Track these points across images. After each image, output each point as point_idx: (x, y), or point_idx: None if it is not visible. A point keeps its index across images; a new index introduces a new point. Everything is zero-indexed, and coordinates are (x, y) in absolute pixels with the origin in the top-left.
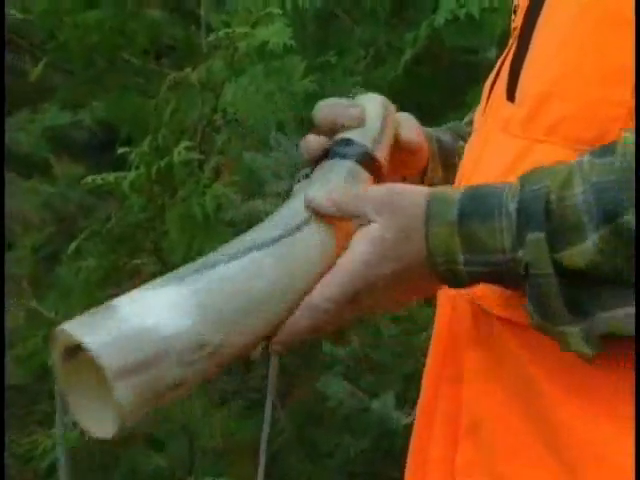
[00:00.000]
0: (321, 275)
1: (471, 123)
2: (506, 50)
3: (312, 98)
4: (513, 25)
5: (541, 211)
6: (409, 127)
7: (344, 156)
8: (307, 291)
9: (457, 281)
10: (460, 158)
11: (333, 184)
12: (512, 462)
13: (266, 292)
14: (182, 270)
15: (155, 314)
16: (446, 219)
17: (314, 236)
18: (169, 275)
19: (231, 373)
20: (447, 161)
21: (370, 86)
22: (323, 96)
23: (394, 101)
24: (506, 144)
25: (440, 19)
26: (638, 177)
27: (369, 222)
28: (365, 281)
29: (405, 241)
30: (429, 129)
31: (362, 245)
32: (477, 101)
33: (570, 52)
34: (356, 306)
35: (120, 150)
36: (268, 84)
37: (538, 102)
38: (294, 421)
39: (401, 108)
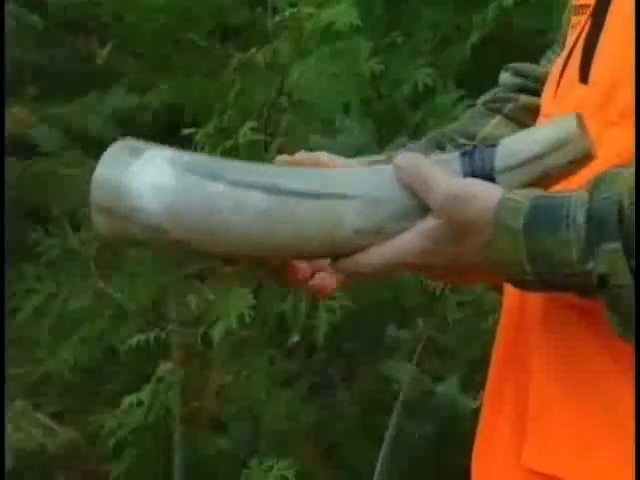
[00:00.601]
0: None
1: (484, 104)
2: (576, 29)
3: (378, 79)
4: (577, 2)
5: (614, 220)
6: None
7: (468, 155)
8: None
9: (527, 288)
10: None
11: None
12: (583, 452)
13: (247, 233)
14: (224, 166)
15: (148, 182)
16: (512, 227)
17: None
18: (213, 163)
19: (292, 356)
20: None
21: (437, 68)
22: (389, 77)
23: (462, 83)
24: None
25: (509, 0)
26: (638, 178)
27: (431, 215)
28: (417, 265)
29: (459, 246)
30: (378, 160)
31: (414, 234)
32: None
33: None
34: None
35: (186, 131)
36: (334, 65)
37: (613, 85)
38: (358, 405)
39: (468, 90)
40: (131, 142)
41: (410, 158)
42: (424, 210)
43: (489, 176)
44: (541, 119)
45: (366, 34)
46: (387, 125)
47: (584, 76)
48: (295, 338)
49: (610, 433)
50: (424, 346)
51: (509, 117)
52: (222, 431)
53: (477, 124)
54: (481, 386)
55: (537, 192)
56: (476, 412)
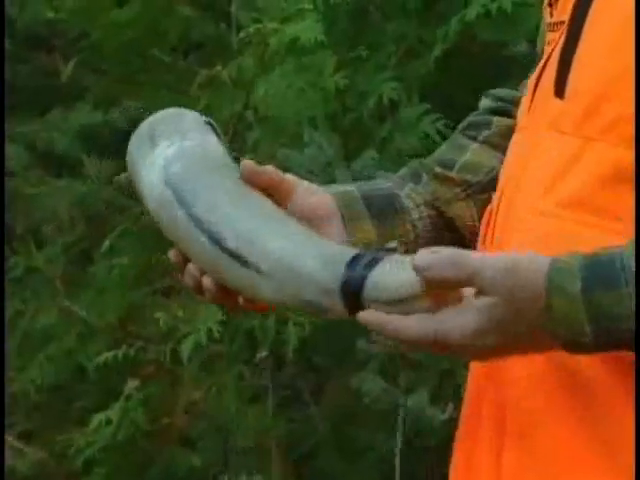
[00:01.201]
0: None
1: (465, 129)
2: (550, 45)
3: (343, 93)
4: (551, 20)
5: None
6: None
7: None
8: None
9: (581, 351)
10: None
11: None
12: (565, 468)
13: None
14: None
15: (146, 180)
16: (569, 290)
17: None
18: (192, 184)
19: (261, 371)
20: (384, 212)
21: (402, 81)
22: (354, 91)
23: (426, 96)
24: (557, 142)
25: (472, 13)
26: (637, 187)
27: (483, 294)
28: (463, 347)
29: (517, 320)
30: (346, 190)
31: (466, 317)
32: None
33: (626, 49)
34: (443, 351)
35: None
36: (299, 80)
37: (594, 101)
38: (328, 419)
39: (432, 103)
40: (157, 125)
41: (430, 255)
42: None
43: (358, 294)
44: (516, 135)
45: (331, 48)
46: (353, 139)
47: (560, 90)
48: (263, 353)
49: (598, 448)
50: (394, 359)
51: (486, 143)
52: (193, 447)
53: (454, 153)
54: (450, 398)
55: (584, 255)
56: (445, 424)
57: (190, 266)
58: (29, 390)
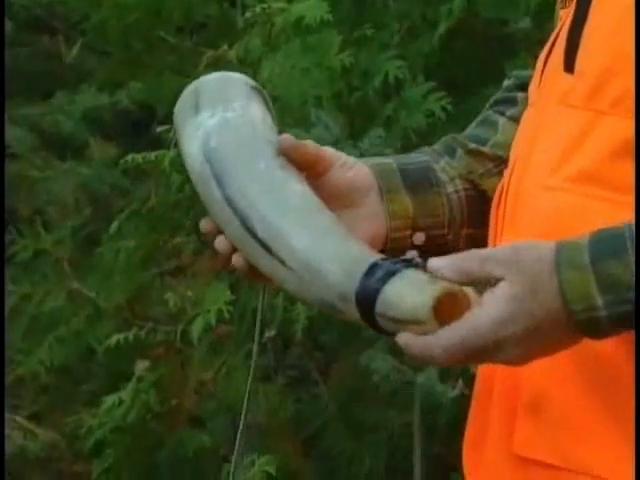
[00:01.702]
0: None
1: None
2: (560, 22)
3: (348, 72)
4: None
5: None
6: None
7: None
8: None
9: (597, 329)
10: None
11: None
12: (576, 437)
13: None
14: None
15: (186, 149)
16: (578, 263)
17: None
18: (229, 163)
19: (269, 350)
20: (420, 185)
21: (406, 59)
22: (359, 70)
23: (430, 74)
24: (567, 117)
25: None
26: (637, 184)
27: (496, 281)
28: (494, 340)
29: (534, 295)
30: (384, 162)
31: (492, 305)
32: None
33: (632, 24)
34: (484, 356)
35: (159, 129)
36: (305, 60)
37: (603, 75)
38: (337, 397)
39: (436, 81)
40: (202, 90)
41: (442, 259)
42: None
43: (371, 305)
44: (529, 109)
45: (336, 28)
46: (359, 118)
47: (569, 66)
48: (271, 332)
49: (612, 419)
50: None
51: (513, 119)
52: (202, 427)
53: (486, 130)
54: (459, 375)
55: (591, 233)
56: (455, 400)
57: (222, 239)
58: (39, 372)
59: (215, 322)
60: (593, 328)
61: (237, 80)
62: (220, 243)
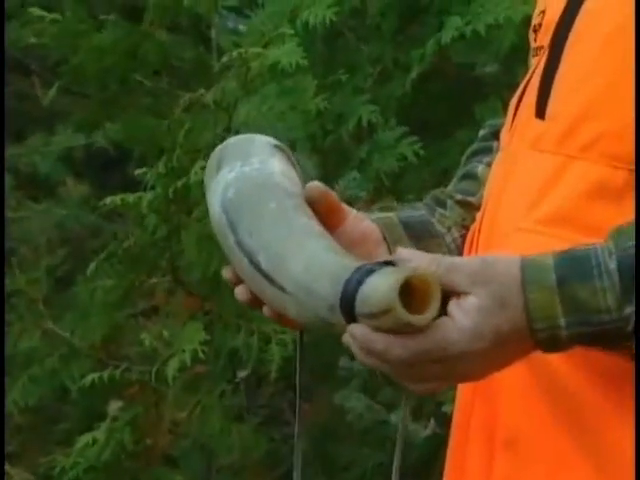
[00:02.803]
0: None
1: (466, 176)
2: (532, 69)
3: (323, 116)
4: (535, 44)
5: None
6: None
7: None
8: None
9: (556, 346)
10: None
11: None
12: (552, 473)
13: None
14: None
15: (210, 201)
16: (544, 284)
17: None
18: (238, 212)
19: (243, 389)
20: (422, 237)
21: (378, 102)
22: (334, 114)
23: (403, 117)
24: (538, 161)
25: (447, 36)
26: (638, 186)
27: (463, 293)
28: (459, 352)
29: (501, 310)
30: (387, 216)
31: (460, 317)
32: (484, 116)
33: (606, 71)
34: (446, 368)
35: (137, 171)
36: (280, 103)
37: (574, 120)
38: (310, 436)
39: (409, 124)
40: (226, 150)
41: (411, 250)
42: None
43: (352, 309)
44: (500, 153)
45: (310, 71)
46: (332, 160)
47: (541, 111)
48: (243, 372)
49: (589, 460)
50: (376, 376)
51: (490, 166)
52: (176, 467)
53: (469, 183)
54: (431, 414)
55: (556, 252)
56: (427, 440)
57: (241, 288)
58: (12, 412)
59: (190, 362)
60: (552, 345)
61: (259, 139)
62: (239, 291)
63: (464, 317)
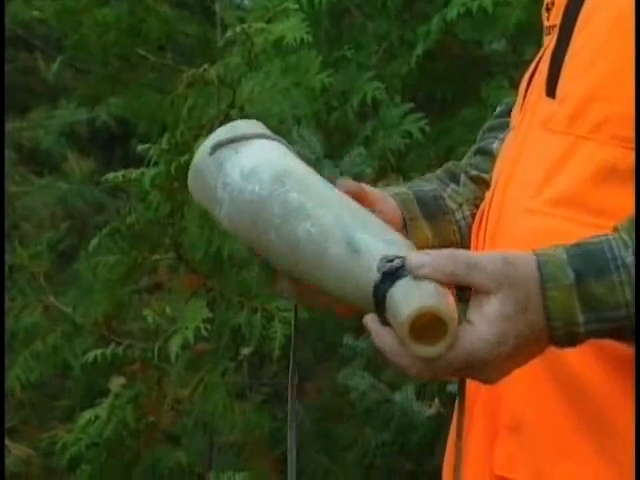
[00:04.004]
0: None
1: (482, 150)
2: (543, 48)
3: (327, 92)
4: (547, 23)
5: None
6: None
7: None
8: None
9: (572, 342)
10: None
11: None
12: (557, 460)
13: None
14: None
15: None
16: (562, 282)
17: None
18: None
19: (247, 367)
20: (434, 214)
21: (383, 80)
22: (338, 90)
23: (408, 95)
24: (548, 141)
25: (452, 13)
26: (638, 186)
27: (484, 294)
28: (482, 360)
29: (524, 313)
30: (403, 192)
31: (483, 325)
32: (491, 95)
33: (614, 52)
34: (466, 373)
35: (140, 147)
36: (285, 79)
37: (583, 101)
38: (312, 415)
39: (414, 102)
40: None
41: (423, 255)
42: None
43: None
44: (511, 133)
45: (315, 47)
46: (337, 137)
47: (551, 91)
48: (246, 350)
49: (592, 441)
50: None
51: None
52: (178, 445)
53: (484, 159)
54: (435, 393)
55: (568, 245)
56: (431, 419)
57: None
58: (14, 388)
59: (193, 339)
60: (568, 341)
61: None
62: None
63: (487, 326)
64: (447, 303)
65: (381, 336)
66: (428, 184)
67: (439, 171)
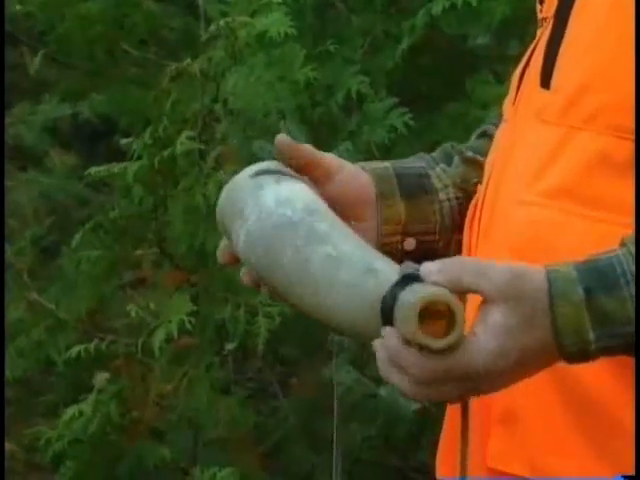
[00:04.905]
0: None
1: (482, 135)
2: (536, 39)
3: (312, 87)
4: (541, 15)
5: None
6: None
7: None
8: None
9: (584, 359)
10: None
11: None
12: (549, 451)
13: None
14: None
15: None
16: (572, 298)
17: None
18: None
19: (230, 362)
20: (414, 192)
21: (368, 74)
22: (323, 85)
23: (393, 89)
24: (542, 132)
25: (437, 7)
26: (637, 187)
27: (489, 304)
28: (484, 371)
29: (530, 329)
30: (383, 167)
31: (486, 337)
32: (476, 89)
33: (609, 41)
34: (467, 387)
35: (123, 141)
36: (269, 73)
37: (578, 91)
38: (298, 410)
39: (399, 96)
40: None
41: (435, 263)
42: None
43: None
44: (503, 125)
45: (299, 41)
46: (322, 132)
47: (546, 81)
48: (230, 345)
49: (584, 433)
50: (367, 349)
51: None
52: (163, 440)
53: (485, 142)
54: None
55: (576, 262)
56: (417, 414)
57: None
58: None
59: (177, 334)
60: (580, 358)
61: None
62: None
63: (490, 338)
64: (455, 297)
65: (386, 338)
66: (416, 162)
67: (436, 151)
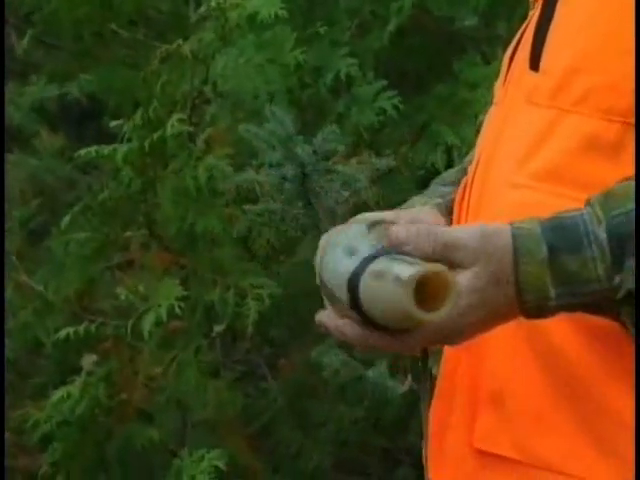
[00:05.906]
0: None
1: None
2: (526, 21)
3: (301, 69)
4: None
5: (634, 236)
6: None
7: None
8: None
9: (541, 315)
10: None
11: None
12: (536, 431)
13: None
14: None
15: None
16: (536, 257)
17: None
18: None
19: (219, 345)
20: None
21: (356, 56)
22: (312, 67)
23: (381, 70)
24: (531, 115)
25: None
26: (638, 178)
27: (460, 268)
28: (452, 329)
29: (494, 287)
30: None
31: (460, 296)
32: (464, 70)
33: (599, 23)
34: (430, 339)
35: (113, 123)
36: (258, 56)
37: (567, 73)
38: (286, 392)
39: (387, 77)
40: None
41: (405, 230)
42: None
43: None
44: (494, 107)
45: (289, 23)
46: (310, 114)
47: (535, 64)
48: (219, 327)
49: (571, 412)
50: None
51: None
52: (151, 422)
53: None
54: (408, 370)
55: (541, 218)
56: (404, 396)
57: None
58: None
59: (166, 317)
60: (537, 314)
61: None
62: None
63: (463, 296)
64: (442, 267)
65: (342, 327)
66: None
67: (460, 166)
